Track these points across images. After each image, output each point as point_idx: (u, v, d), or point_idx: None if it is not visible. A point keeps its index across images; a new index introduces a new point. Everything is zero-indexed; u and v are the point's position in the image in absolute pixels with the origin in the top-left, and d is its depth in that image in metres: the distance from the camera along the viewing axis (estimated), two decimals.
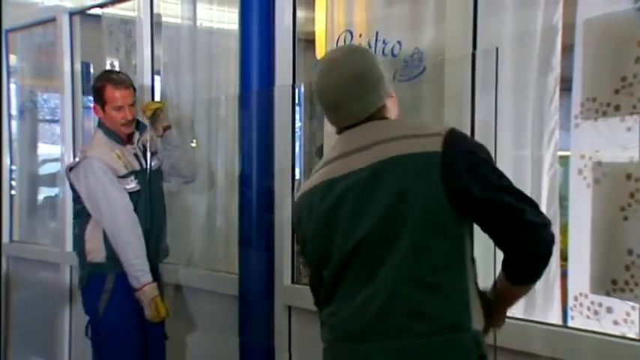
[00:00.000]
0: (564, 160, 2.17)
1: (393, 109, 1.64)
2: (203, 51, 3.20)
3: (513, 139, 2.20)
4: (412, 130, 1.53)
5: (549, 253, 1.50)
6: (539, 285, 2.12)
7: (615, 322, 1.93)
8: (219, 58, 3.14)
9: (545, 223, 1.49)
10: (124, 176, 2.70)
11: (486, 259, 1.72)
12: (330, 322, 1.58)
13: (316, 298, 1.67)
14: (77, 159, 2.82)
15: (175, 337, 3.03)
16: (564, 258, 2.14)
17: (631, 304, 1.89)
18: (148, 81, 3.28)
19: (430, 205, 1.44)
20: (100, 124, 2.80)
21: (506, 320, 1.99)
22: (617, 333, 1.91)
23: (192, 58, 3.24)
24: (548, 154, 2.16)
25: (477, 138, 2.17)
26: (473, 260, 1.55)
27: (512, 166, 2.20)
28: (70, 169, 2.77)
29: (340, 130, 1.63)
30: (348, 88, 1.56)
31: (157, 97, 3.28)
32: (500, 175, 1.51)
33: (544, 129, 2.15)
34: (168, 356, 2.93)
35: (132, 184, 2.71)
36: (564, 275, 2.12)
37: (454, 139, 1.48)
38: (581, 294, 2.03)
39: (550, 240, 1.50)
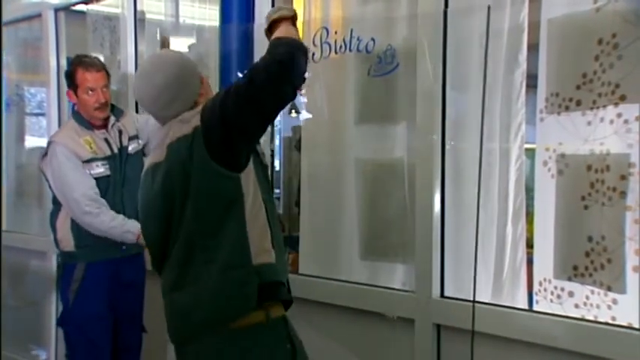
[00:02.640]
0: (530, 153, 2.20)
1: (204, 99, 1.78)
2: (186, 47, 3.19)
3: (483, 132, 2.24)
4: (183, 116, 1.74)
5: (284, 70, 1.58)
6: (506, 271, 2.19)
7: (576, 306, 1.97)
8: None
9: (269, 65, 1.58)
10: (89, 161, 2.61)
11: None
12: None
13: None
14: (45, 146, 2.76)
15: (155, 332, 3.02)
16: (530, 245, 2.17)
17: (590, 288, 1.93)
18: (131, 76, 3.26)
19: (202, 173, 1.65)
20: (73, 111, 2.73)
21: (476, 305, 2.04)
22: (578, 315, 1.95)
23: None
24: (515, 147, 2.19)
25: (449, 132, 2.22)
26: (264, 200, 1.72)
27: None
28: (42, 157, 2.70)
29: None
30: (155, 104, 1.78)
31: None
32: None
33: (511, 123, 2.18)
34: (147, 352, 2.89)
35: (98, 169, 2.62)
36: (530, 262, 2.16)
37: (205, 110, 1.67)
38: (545, 279, 2.06)
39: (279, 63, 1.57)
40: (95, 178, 2.62)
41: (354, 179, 2.49)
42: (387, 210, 2.38)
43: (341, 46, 2.50)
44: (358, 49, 2.44)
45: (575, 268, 1.95)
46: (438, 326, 2.19)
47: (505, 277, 2.19)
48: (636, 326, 1.81)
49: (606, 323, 1.88)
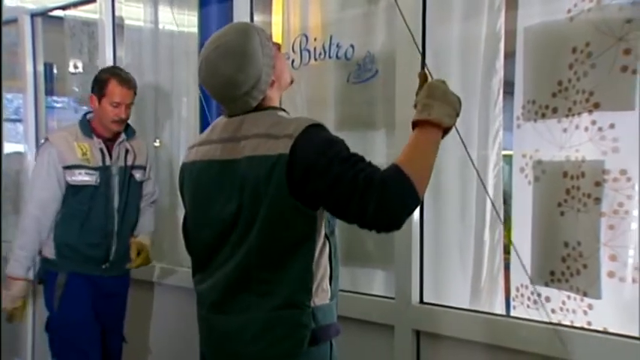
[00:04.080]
0: (508, 159, 2.22)
1: (276, 94, 1.66)
2: (164, 53, 3.18)
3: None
4: (271, 128, 1.54)
5: (394, 225, 1.47)
6: (485, 276, 2.20)
7: (553, 311, 1.99)
8: (180, 59, 3.12)
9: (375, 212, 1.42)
10: (72, 167, 2.59)
11: None
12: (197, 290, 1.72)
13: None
14: None
15: (135, 342, 3.00)
16: (507, 251, 2.19)
17: (567, 293, 1.95)
18: None
19: (276, 204, 1.50)
20: (83, 117, 2.71)
21: (453, 311, 2.05)
22: (555, 321, 1.96)
23: (153, 59, 3.21)
24: (493, 154, 2.21)
25: None
26: (327, 236, 1.60)
27: (459, 165, 2.26)
28: (36, 150, 2.76)
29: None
30: (222, 93, 1.61)
31: None
32: (345, 162, 1.46)
33: (489, 130, 2.20)
34: None
35: (81, 177, 2.59)
36: (507, 268, 2.17)
37: (302, 143, 1.49)
38: (522, 285, 2.08)
39: (387, 219, 1.44)
40: (76, 186, 2.60)
41: None
42: None
43: (320, 53, 2.51)
44: (337, 56, 2.45)
45: (552, 273, 1.97)
46: (418, 332, 2.20)
47: (483, 282, 2.20)
48: (611, 331, 1.83)
49: (582, 328, 1.90)
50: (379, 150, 2.39)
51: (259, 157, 1.52)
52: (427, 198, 2.24)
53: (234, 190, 1.56)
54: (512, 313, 2.11)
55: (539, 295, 2.03)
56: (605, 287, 1.84)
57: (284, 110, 1.66)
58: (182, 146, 3.17)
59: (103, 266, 2.67)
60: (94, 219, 2.62)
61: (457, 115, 1.55)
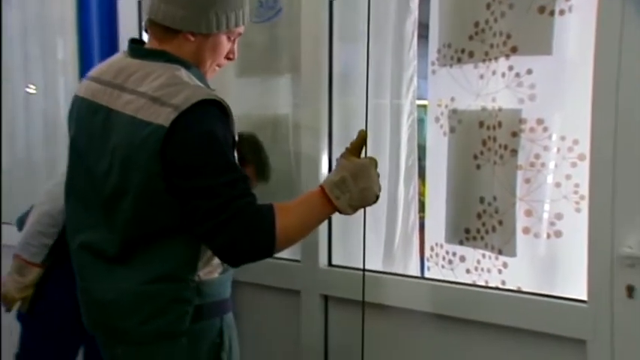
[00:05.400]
0: (424, 110, 2.24)
1: (200, 52, 1.60)
2: None
3: (372, 87, 2.24)
4: (160, 90, 1.49)
5: (231, 263, 1.53)
6: (398, 237, 2.23)
7: (467, 271, 2.05)
8: None
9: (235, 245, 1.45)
10: None
11: None
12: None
13: None
14: None
15: None
16: (422, 209, 2.23)
17: (482, 251, 2.01)
18: None
19: (149, 177, 1.47)
20: None
21: (366, 274, 2.07)
22: (469, 281, 2.03)
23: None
24: (407, 103, 2.22)
25: (337, 87, 2.21)
26: None
27: (371, 115, 2.24)
28: None
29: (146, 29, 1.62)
30: None
31: None
32: (217, 177, 1.45)
33: (402, 76, 2.20)
34: None
35: None
36: (422, 227, 2.21)
37: (186, 122, 1.44)
38: (437, 244, 2.13)
39: (247, 255, 1.48)
40: None
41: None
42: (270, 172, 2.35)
43: None
44: None
45: (467, 231, 2.02)
46: (326, 297, 2.22)
47: (397, 243, 2.23)
48: (525, 290, 1.91)
49: (496, 288, 1.96)
50: (283, 99, 2.35)
51: (139, 121, 1.48)
52: (336, 151, 2.23)
53: (107, 148, 1.54)
54: (427, 274, 2.16)
55: (454, 254, 2.09)
56: (520, 244, 1.90)
57: (189, 69, 1.58)
58: (61, 94, 3.01)
59: None
60: None
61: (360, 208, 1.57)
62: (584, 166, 1.77)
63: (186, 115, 1.44)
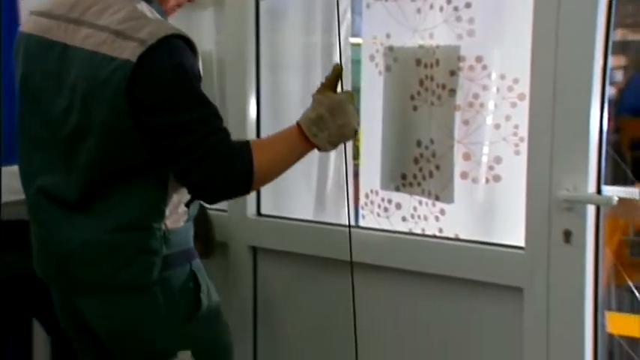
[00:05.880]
0: (358, 49, 2.17)
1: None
2: None
3: (302, 23, 2.16)
4: (123, 24, 1.44)
5: (208, 200, 1.52)
6: (330, 185, 2.18)
7: (404, 219, 2.03)
8: None
9: (213, 181, 1.45)
10: None
11: None
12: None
13: None
14: None
15: None
16: (356, 156, 2.18)
17: (418, 198, 1.98)
18: None
19: (113, 115, 1.44)
20: None
21: (295, 224, 2.03)
22: (405, 230, 2.01)
23: None
24: (339, 41, 2.14)
25: (265, 21, 2.14)
26: None
27: (301, 54, 2.18)
28: None
29: None
30: None
31: None
32: (189, 113, 1.44)
33: (334, 10, 2.11)
34: None
35: None
36: (357, 174, 2.17)
37: (154, 57, 1.41)
38: (372, 191, 2.10)
39: (221, 192, 1.48)
40: None
41: None
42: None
43: None
44: None
45: (404, 176, 1.99)
46: (254, 249, 2.18)
47: (329, 191, 2.19)
48: (463, 237, 1.90)
49: (433, 236, 1.95)
50: (207, 34, 2.27)
51: (101, 56, 1.44)
52: (265, 93, 2.16)
53: (66, 85, 1.49)
54: (362, 223, 2.13)
55: (389, 201, 2.06)
56: (458, 190, 1.89)
57: (150, 3, 1.52)
58: None
59: None
60: None
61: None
62: (524, 107, 1.76)
63: (154, 50, 1.40)
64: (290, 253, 2.11)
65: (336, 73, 1.57)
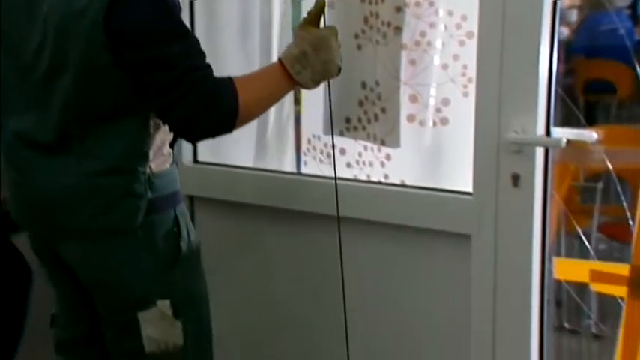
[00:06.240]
0: None
1: None
2: None
3: None
4: None
5: (191, 139, 1.57)
6: (271, 130, 2.13)
7: (348, 165, 2.00)
8: None
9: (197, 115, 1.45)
10: None
11: None
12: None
13: None
14: None
15: None
16: (297, 101, 2.13)
17: (363, 143, 1.95)
18: None
19: (90, 50, 1.41)
20: None
21: (234, 171, 1.97)
22: (350, 176, 1.98)
23: None
24: None
25: None
26: None
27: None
28: None
29: None
30: None
31: None
32: (170, 46, 1.42)
33: None
34: None
35: None
36: (298, 119, 2.13)
37: None
38: (314, 136, 2.06)
39: (207, 127, 1.48)
40: None
41: None
42: None
43: None
44: None
45: (348, 120, 1.95)
46: (191, 198, 2.13)
47: (270, 136, 2.14)
48: (409, 184, 1.89)
49: (379, 183, 1.93)
50: None
51: None
52: (200, 28, 2.08)
53: (37, 19, 1.45)
54: (304, 170, 2.10)
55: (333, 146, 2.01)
56: (405, 134, 1.86)
57: None
58: None
59: None
60: None
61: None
62: (473, 45, 1.72)
63: None
64: (229, 202, 2.07)
65: (319, 8, 1.54)
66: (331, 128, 1.72)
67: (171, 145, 1.57)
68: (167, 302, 1.54)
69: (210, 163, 2.14)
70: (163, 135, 1.53)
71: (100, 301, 1.60)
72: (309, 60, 1.49)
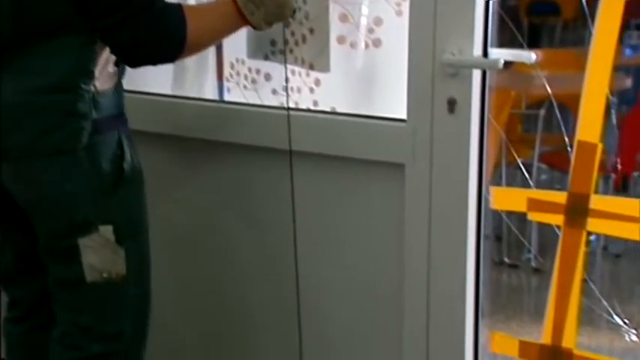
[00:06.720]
0: None
1: None
2: None
3: None
4: None
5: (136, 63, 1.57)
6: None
7: (274, 92, 1.96)
8: None
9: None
10: None
11: None
12: None
13: None
14: None
15: None
16: None
17: (290, 67, 1.89)
18: None
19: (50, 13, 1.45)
20: None
21: (152, 99, 1.97)
22: (276, 104, 1.93)
23: None
24: None
25: None
26: None
27: None
28: None
29: None
30: None
31: None
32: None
33: None
34: None
35: None
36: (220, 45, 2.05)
37: None
38: (237, 60, 2.01)
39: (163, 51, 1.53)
40: None
41: None
42: None
43: None
44: None
45: (273, 43, 1.90)
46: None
47: (188, 62, 2.05)
48: (340, 111, 1.84)
49: (308, 110, 1.89)
50: None
51: None
52: None
53: None
54: (227, 97, 2.06)
55: (257, 72, 1.98)
56: (335, 57, 1.83)
57: None
58: None
59: None
60: None
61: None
62: None
63: None
64: (145, 132, 1.97)
65: None
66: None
67: (117, 64, 1.57)
68: (110, 227, 1.54)
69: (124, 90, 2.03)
70: (109, 52, 1.53)
71: (39, 227, 1.57)
72: (263, 0, 1.51)
